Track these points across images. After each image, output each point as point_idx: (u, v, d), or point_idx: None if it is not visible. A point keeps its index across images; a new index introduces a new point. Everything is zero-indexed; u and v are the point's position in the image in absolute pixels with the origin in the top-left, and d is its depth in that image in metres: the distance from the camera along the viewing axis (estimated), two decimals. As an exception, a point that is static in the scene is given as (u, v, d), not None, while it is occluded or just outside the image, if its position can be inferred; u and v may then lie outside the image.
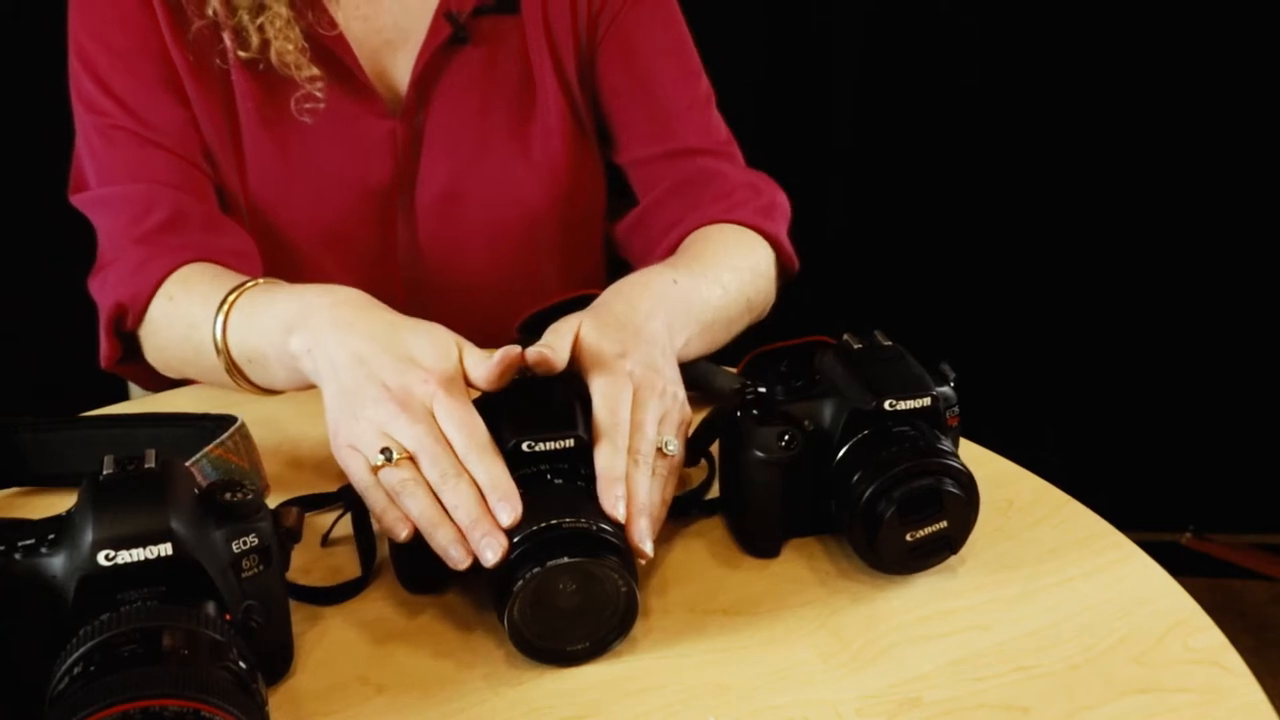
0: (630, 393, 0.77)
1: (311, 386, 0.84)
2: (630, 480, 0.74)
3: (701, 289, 0.94)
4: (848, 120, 1.94)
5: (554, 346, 0.79)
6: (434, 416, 0.74)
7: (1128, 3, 1.86)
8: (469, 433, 0.73)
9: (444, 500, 0.72)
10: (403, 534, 0.73)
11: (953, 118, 1.92)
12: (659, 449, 0.77)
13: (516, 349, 0.77)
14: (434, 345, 0.77)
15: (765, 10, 1.82)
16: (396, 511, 0.73)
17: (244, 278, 0.93)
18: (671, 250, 1.06)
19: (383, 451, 0.73)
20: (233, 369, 0.91)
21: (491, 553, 0.69)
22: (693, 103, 1.14)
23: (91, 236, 1.31)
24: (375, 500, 0.74)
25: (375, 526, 0.78)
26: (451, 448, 0.73)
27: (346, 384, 0.77)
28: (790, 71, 1.87)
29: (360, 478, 0.75)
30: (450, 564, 0.71)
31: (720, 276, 0.97)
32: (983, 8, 1.88)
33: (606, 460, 0.74)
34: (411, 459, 0.73)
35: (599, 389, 0.77)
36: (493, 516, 0.70)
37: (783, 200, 1.11)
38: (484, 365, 0.76)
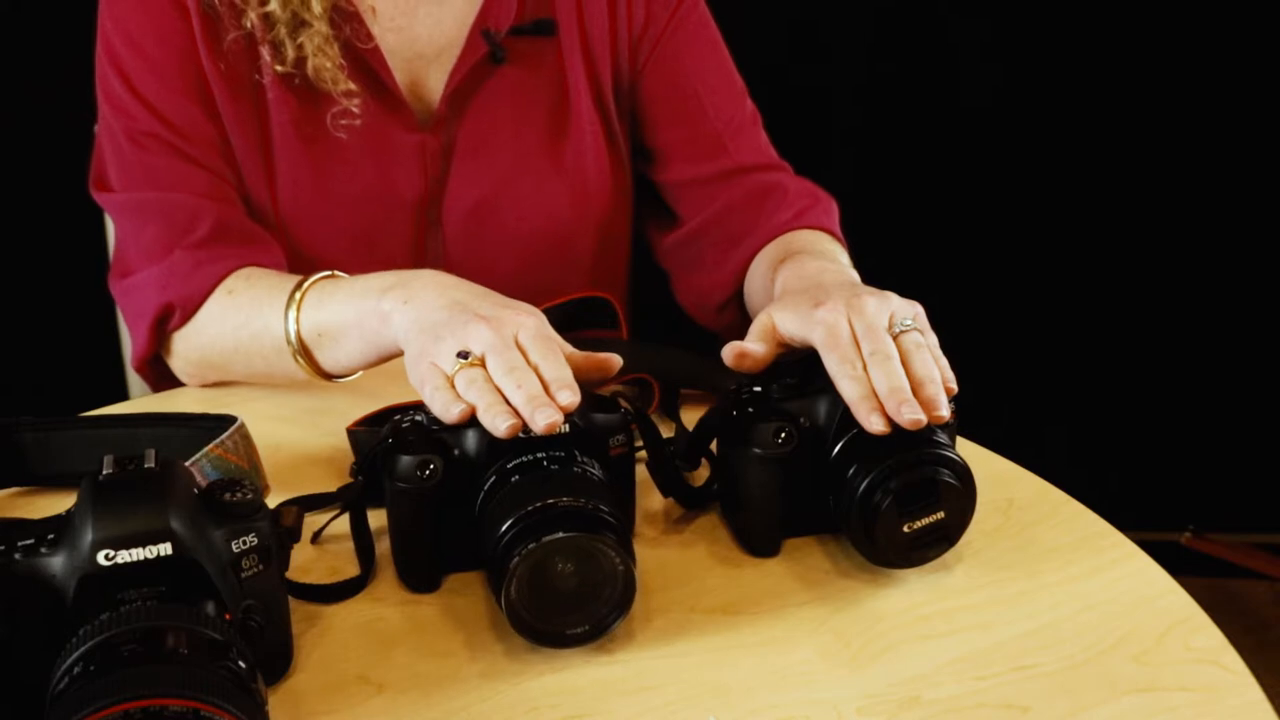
0: (845, 323, 0.79)
1: (379, 362, 0.88)
2: (878, 386, 0.75)
3: (846, 270, 0.97)
4: (849, 122, 1.94)
5: (751, 344, 0.82)
6: (515, 338, 0.77)
7: (1128, 3, 1.86)
8: (544, 346, 0.76)
9: (509, 384, 0.74)
10: (455, 412, 0.73)
11: (954, 118, 1.92)
12: (898, 334, 0.78)
13: (618, 359, 0.81)
14: (530, 307, 0.81)
15: (766, 10, 1.83)
16: (456, 399, 0.74)
17: (309, 274, 0.94)
18: (749, 258, 1.09)
19: (460, 355, 0.76)
20: (299, 349, 0.91)
21: (543, 418, 0.71)
22: (741, 124, 1.16)
23: (92, 238, 1.31)
24: (439, 400, 0.75)
25: (372, 524, 0.78)
26: (525, 355, 0.76)
27: (439, 318, 0.80)
28: (790, 73, 1.88)
29: (434, 384, 0.76)
30: (495, 433, 0.72)
31: (843, 260, 1.01)
32: (983, 9, 1.88)
33: (849, 389, 0.76)
34: (483, 363, 0.75)
35: (818, 339, 0.79)
36: (552, 400, 0.73)
37: (835, 204, 1.13)
38: (585, 354, 0.80)
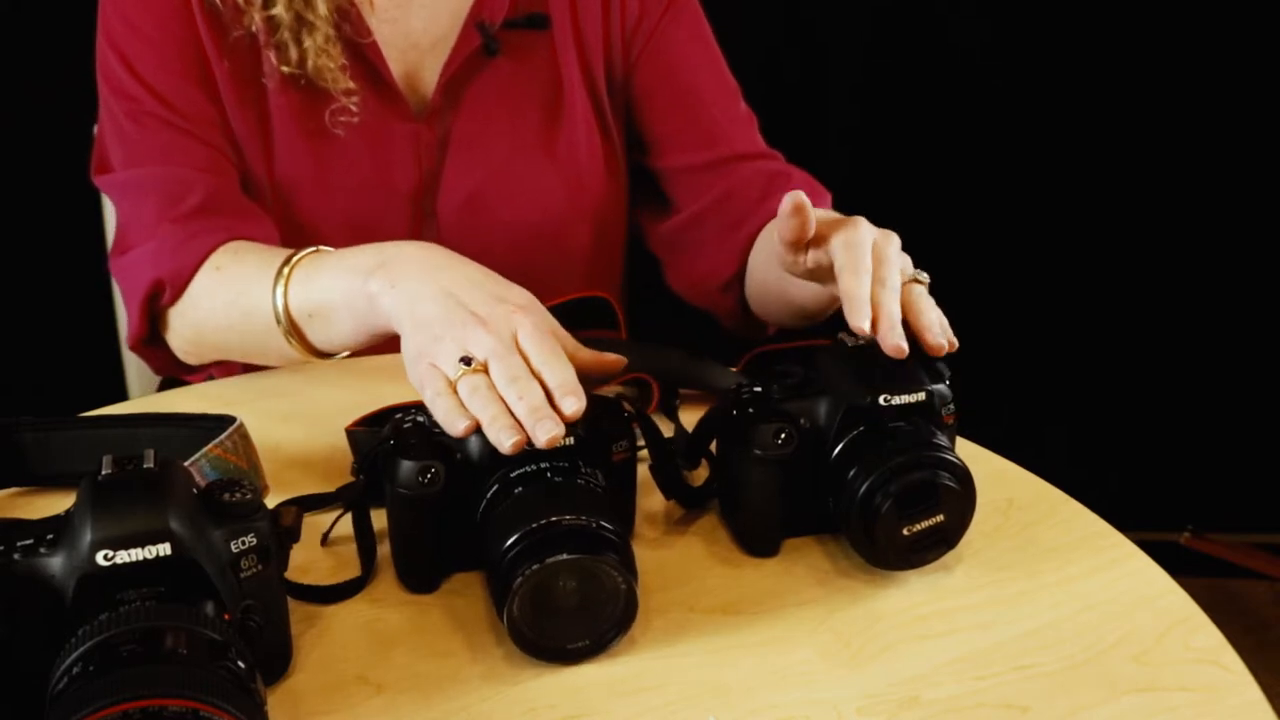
0: (870, 240, 0.80)
1: (372, 342, 0.87)
2: (878, 299, 0.77)
3: None
4: (847, 120, 1.94)
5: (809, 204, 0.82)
6: (515, 337, 0.76)
7: (1128, 3, 1.86)
8: (547, 348, 0.75)
9: (511, 394, 0.73)
10: (460, 427, 0.73)
11: (953, 118, 1.92)
12: (907, 281, 0.80)
13: (622, 359, 0.81)
14: (524, 292, 0.81)
15: (763, 9, 1.83)
16: (461, 411, 0.74)
17: (297, 249, 0.94)
18: (753, 235, 1.09)
19: (462, 360, 0.75)
20: (289, 328, 0.91)
21: (544, 431, 0.70)
22: (737, 115, 1.17)
23: (91, 238, 1.31)
24: (442, 408, 0.74)
25: (375, 524, 0.78)
26: (527, 360, 0.75)
27: (433, 312, 0.79)
28: (786, 71, 1.88)
29: (435, 389, 0.75)
30: (500, 449, 0.71)
31: None
32: (982, 8, 1.88)
33: (849, 283, 0.77)
34: (486, 369, 0.75)
35: (840, 240, 0.80)
36: (554, 410, 0.72)
37: (830, 199, 1.14)
38: (590, 352, 0.80)
